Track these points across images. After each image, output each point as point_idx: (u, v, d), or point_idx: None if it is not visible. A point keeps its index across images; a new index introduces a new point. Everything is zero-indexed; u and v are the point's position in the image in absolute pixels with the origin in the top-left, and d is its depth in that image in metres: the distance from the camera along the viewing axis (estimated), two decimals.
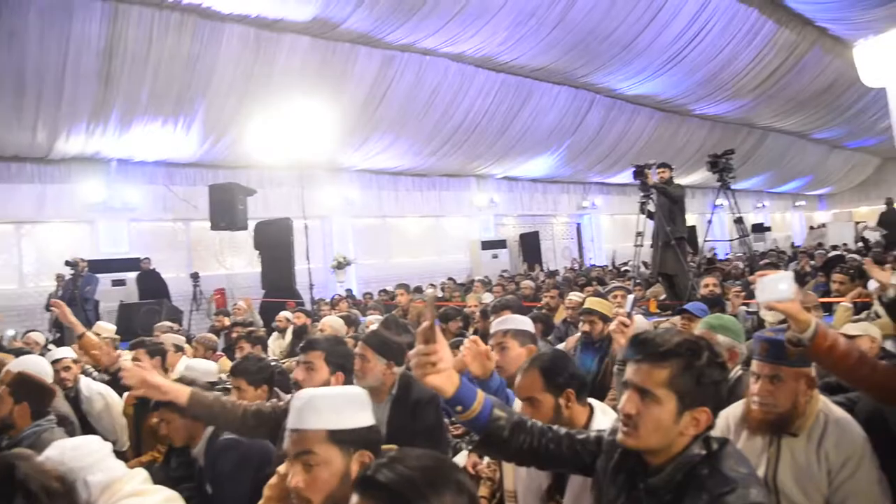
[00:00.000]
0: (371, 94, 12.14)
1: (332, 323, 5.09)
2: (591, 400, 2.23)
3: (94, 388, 4.15)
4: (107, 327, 6.13)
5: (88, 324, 8.23)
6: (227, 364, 4.72)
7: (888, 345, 4.31)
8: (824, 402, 2.21)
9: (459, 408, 1.59)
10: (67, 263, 9.30)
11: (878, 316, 4.60)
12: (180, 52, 9.72)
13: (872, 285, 4.85)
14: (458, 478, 1.12)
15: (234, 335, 6.40)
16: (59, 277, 9.91)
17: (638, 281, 8.59)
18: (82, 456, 1.94)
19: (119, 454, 2.49)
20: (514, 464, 1.78)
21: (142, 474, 2.04)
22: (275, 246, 10.94)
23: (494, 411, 1.64)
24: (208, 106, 10.76)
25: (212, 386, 3.80)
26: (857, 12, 12.98)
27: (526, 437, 1.68)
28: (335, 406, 1.59)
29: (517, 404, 2.43)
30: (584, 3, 11.22)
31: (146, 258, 11.51)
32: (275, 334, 7.17)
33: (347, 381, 2.74)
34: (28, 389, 3.01)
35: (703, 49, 13.68)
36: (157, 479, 2.18)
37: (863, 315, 4.91)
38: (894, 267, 6.17)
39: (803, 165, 24.54)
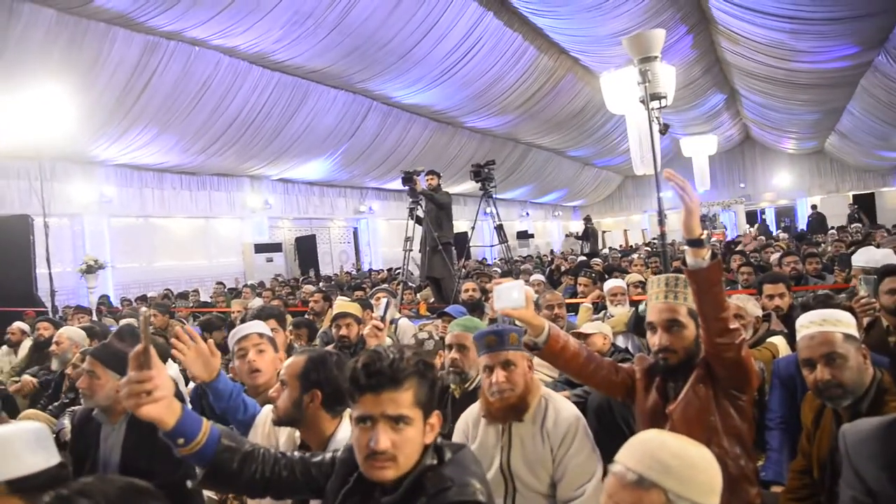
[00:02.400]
0: (131, 83, 11.04)
1: (70, 334, 4.51)
2: (349, 412, 2.18)
3: None
4: None
5: None
6: None
7: (619, 340, 4.88)
8: (545, 389, 2.41)
9: (181, 440, 1.42)
10: None
11: (611, 315, 5.18)
12: None
13: (607, 287, 5.45)
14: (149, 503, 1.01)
15: None
16: None
17: (409, 285, 8.83)
18: None
19: None
20: (247, 497, 1.66)
21: None
22: (8, 247, 9.53)
23: (222, 441, 1.50)
24: None
25: None
26: (600, 48, 14.70)
27: (257, 467, 1.55)
28: (10, 450, 1.35)
29: (263, 413, 2.33)
30: (363, 9, 11.27)
31: None
32: (4, 349, 6.24)
33: None
34: None
35: (474, 66, 14.50)
36: None
37: (600, 314, 5.49)
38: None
39: (560, 179, 27.07)
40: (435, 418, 1.51)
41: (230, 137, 13.69)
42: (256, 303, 7.76)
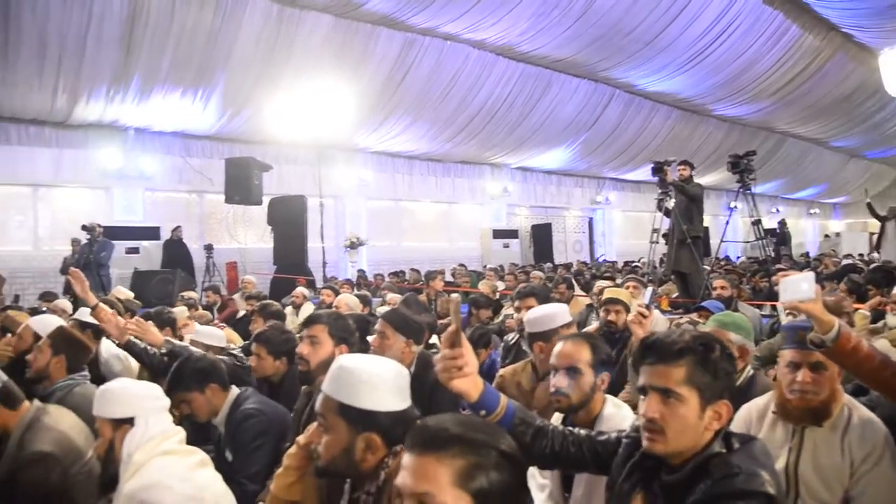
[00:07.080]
0: (390, 77, 12.13)
1: (347, 301, 5.13)
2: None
3: (112, 351, 4.16)
4: (125, 292, 6.17)
5: (103, 289, 8.36)
6: (231, 335, 4.80)
7: None
8: (847, 397, 2.22)
9: (483, 412, 1.58)
10: (84, 228, 9.29)
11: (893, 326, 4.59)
12: (202, 23, 9.73)
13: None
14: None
15: (249, 308, 6.44)
16: (75, 242, 9.81)
17: (650, 278, 8.59)
18: (152, 398, 2.10)
19: None
20: (537, 467, 1.80)
21: (180, 434, 2.09)
22: (288, 222, 10.99)
23: (517, 415, 1.64)
24: (228, 79, 10.77)
25: (221, 351, 3.86)
26: (883, 20, 12.89)
27: (547, 442, 1.68)
28: (356, 383, 1.61)
29: None
30: None
31: (178, 227, 11.67)
32: (289, 309, 7.17)
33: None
34: (67, 344, 3.10)
35: (726, 50, 13.62)
36: None
37: (880, 324, 4.88)
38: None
39: (819, 173, 24.38)
40: (723, 407, 1.50)
41: (475, 127, 14.38)
42: (500, 285, 8.11)
